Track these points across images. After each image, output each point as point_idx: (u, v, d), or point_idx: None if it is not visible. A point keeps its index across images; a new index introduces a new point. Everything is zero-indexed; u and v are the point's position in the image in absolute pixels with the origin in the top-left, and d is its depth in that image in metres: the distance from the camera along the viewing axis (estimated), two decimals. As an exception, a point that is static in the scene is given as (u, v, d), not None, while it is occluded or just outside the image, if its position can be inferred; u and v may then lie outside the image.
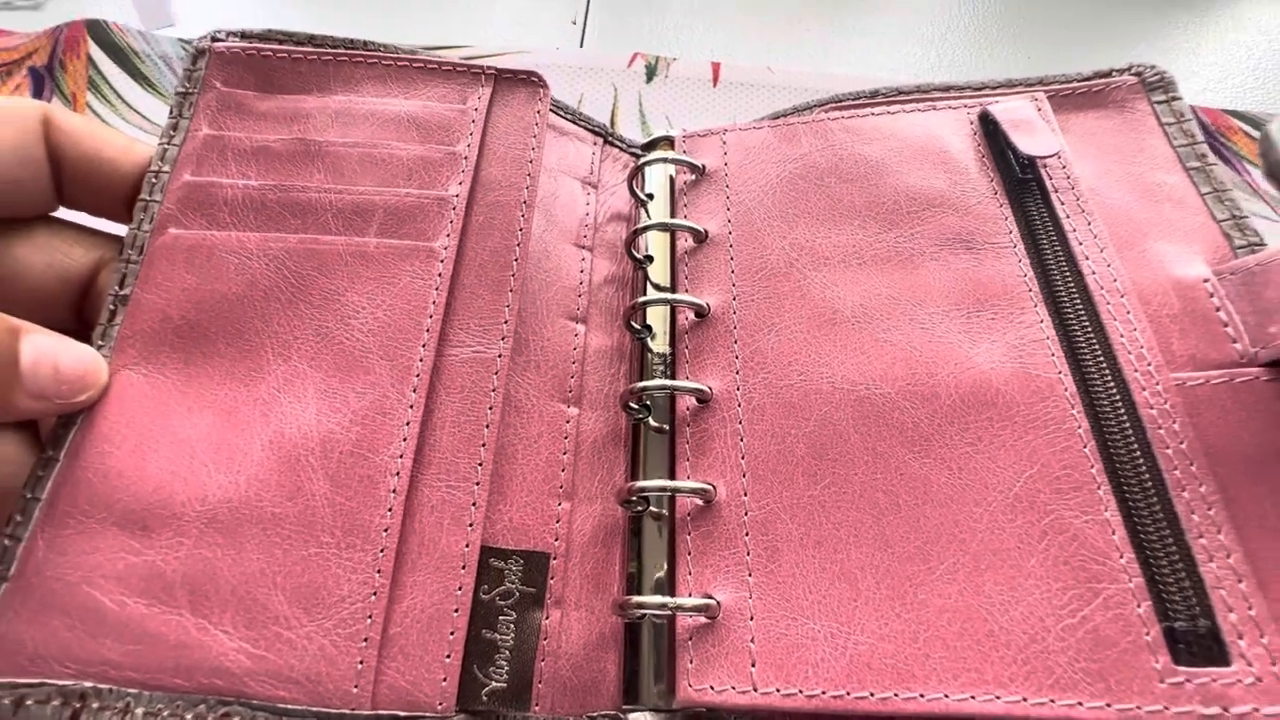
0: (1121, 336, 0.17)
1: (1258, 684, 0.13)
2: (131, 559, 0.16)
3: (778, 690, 0.15)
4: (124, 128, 0.33)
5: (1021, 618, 0.14)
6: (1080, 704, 0.13)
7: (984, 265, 0.19)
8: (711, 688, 0.15)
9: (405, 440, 0.17)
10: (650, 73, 0.36)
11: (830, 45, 0.40)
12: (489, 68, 0.23)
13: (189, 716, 0.14)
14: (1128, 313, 0.18)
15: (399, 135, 0.21)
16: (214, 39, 0.22)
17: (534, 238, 0.22)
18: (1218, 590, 0.14)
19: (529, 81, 0.23)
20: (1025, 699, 0.14)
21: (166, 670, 0.15)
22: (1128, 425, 0.16)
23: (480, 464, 0.17)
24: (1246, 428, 0.16)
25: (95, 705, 0.14)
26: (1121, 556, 0.15)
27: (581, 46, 0.38)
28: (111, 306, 0.18)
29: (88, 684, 0.14)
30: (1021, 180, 0.20)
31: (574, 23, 0.35)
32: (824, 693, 0.14)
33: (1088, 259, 0.19)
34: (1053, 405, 0.16)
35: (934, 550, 0.15)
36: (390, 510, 0.16)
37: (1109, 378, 0.17)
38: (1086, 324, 0.18)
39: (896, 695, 0.14)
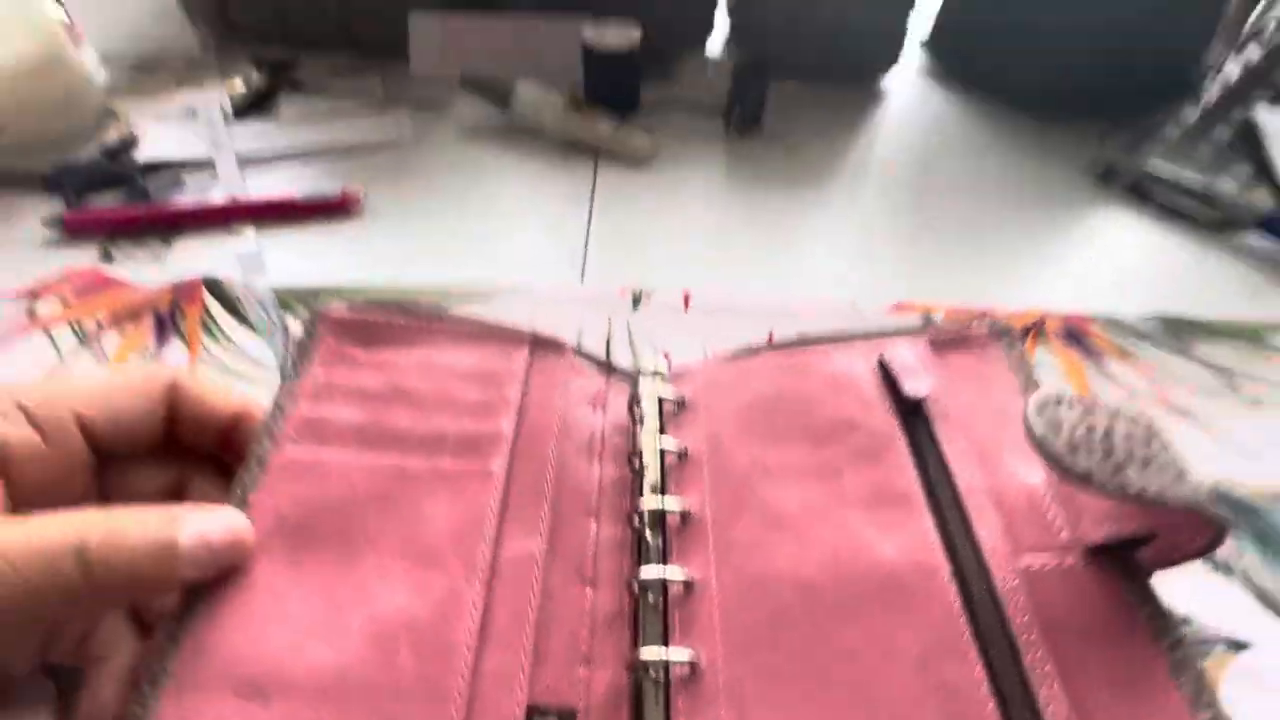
0: (984, 530, 0.24)
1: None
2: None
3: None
4: (226, 358, 0.43)
5: (921, 756, 0.20)
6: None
7: (887, 475, 0.27)
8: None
9: (473, 620, 0.23)
10: (636, 301, 0.47)
11: (779, 267, 0.51)
12: (528, 333, 0.33)
13: None
14: (986, 512, 0.25)
15: (463, 382, 0.30)
16: (327, 309, 0.31)
17: (560, 456, 0.30)
18: (1055, 729, 0.20)
19: (556, 346, 0.32)
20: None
21: None
22: (988, 602, 0.22)
23: (527, 638, 0.23)
24: (1069, 602, 0.22)
25: None
26: (987, 706, 0.20)
27: (582, 281, 0.48)
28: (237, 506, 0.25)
29: None
30: (913, 408, 0.29)
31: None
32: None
33: (959, 470, 0.26)
34: (936, 585, 0.23)
35: (859, 702, 0.21)
36: (463, 676, 0.22)
37: (974, 563, 0.23)
38: (959, 521, 0.25)
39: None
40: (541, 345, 0.32)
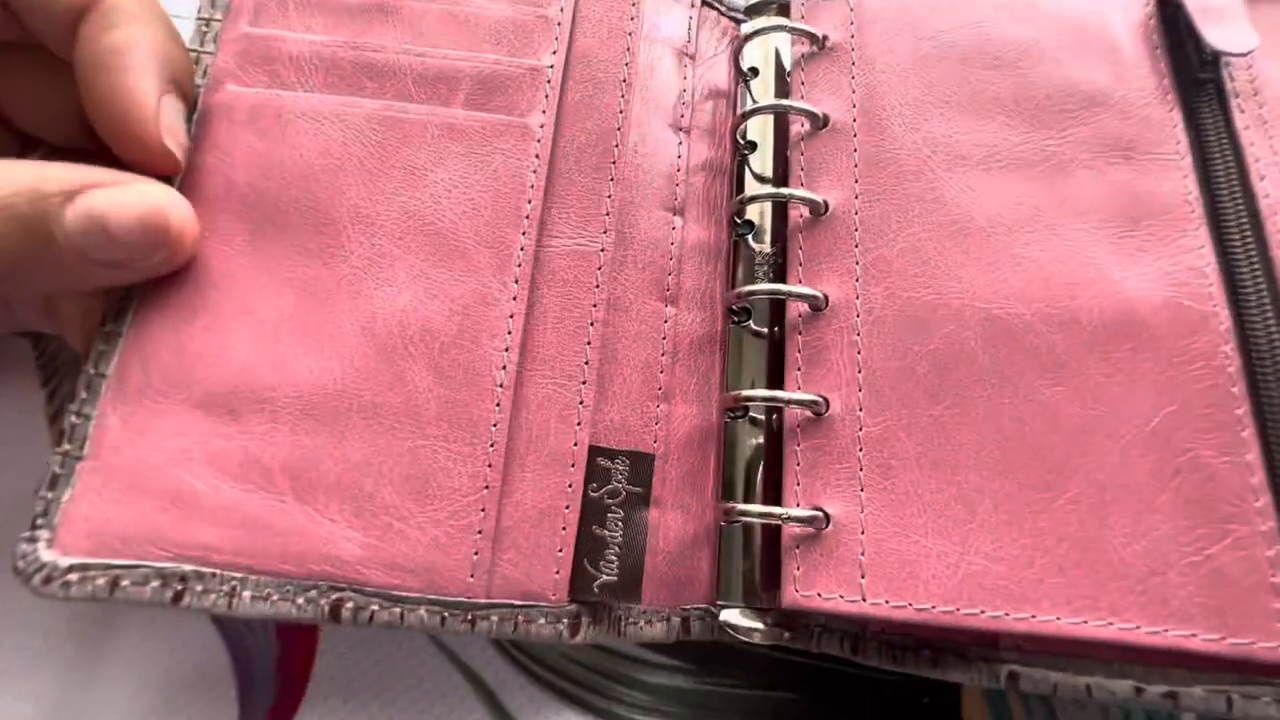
0: (1289, 269, 0.16)
1: (1376, 629, 0.13)
2: (222, 443, 0.15)
3: (886, 601, 0.15)
4: None
5: (1144, 551, 0.14)
6: (1195, 634, 0.14)
7: (1144, 178, 0.17)
8: (820, 594, 0.15)
9: (510, 334, 0.16)
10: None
11: None
12: None
13: (300, 600, 0.14)
14: (1299, 243, 0.16)
15: None
16: None
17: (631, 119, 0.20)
18: (1352, 539, 0.14)
19: None
20: (1140, 626, 0.14)
21: (273, 556, 0.14)
22: (1283, 366, 0.15)
23: (586, 362, 0.16)
24: None
25: (199, 588, 0.14)
26: (1258, 500, 0.14)
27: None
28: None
29: (188, 567, 0.14)
30: (1197, 80, 0.18)
31: None
32: (934, 607, 0.15)
33: (1264, 179, 0.17)
34: (1205, 340, 0.15)
35: (1058, 480, 0.15)
36: (499, 405, 0.15)
37: (1270, 315, 0.16)
38: (1253, 254, 0.16)
39: (1008, 614, 0.14)
40: None
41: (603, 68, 0.19)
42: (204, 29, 0.18)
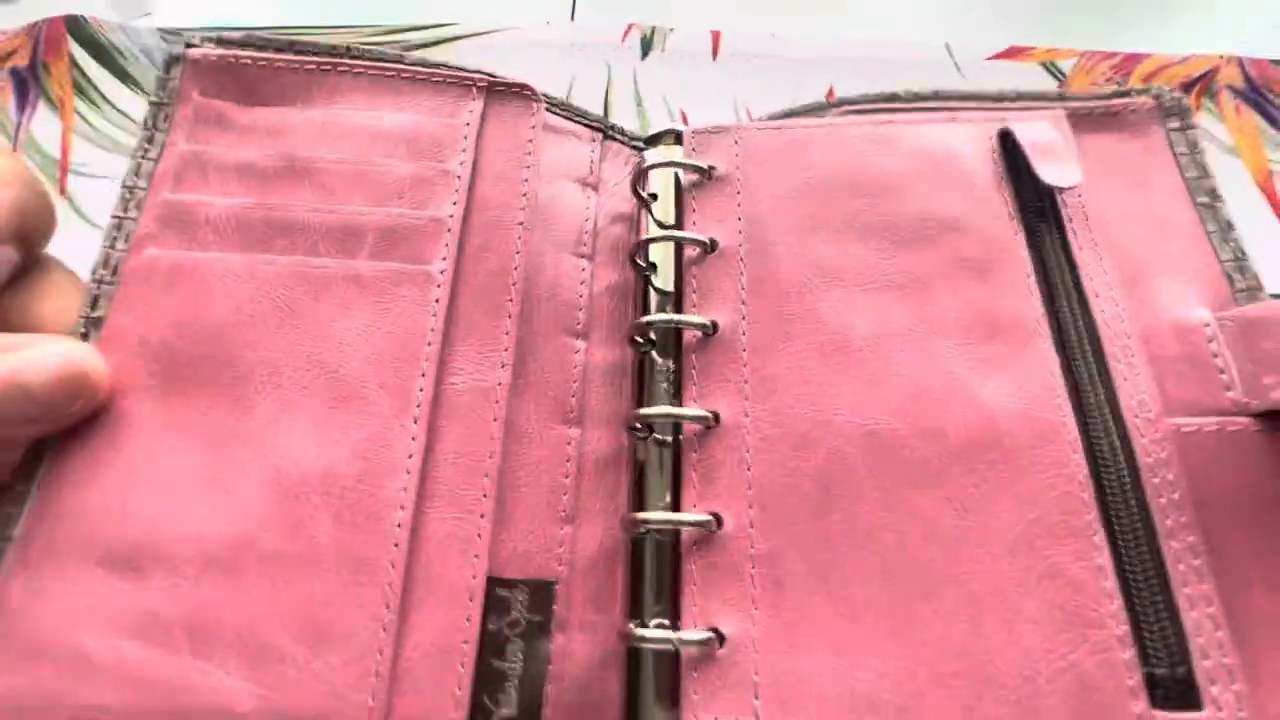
0: (1125, 380, 0.18)
1: (1225, 728, 0.14)
2: (122, 601, 0.15)
3: (780, 723, 0.15)
4: (114, 133, 0.32)
5: (1016, 659, 0.15)
6: (1065, 744, 0.14)
7: (996, 296, 0.19)
8: (718, 719, 0.15)
9: (409, 473, 0.16)
10: (646, 46, 0.34)
11: (842, 2, 0.38)
12: (480, 77, 0.22)
13: None
14: (1132, 356, 0.18)
15: (389, 151, 0.20)
16: (189, 45, 0.21)
17: (530, 252, 0.21)
18: (1196, 638, 0.15)
19: (522, 94, 0.22)
20: (1015, 738, 0.14)
21: (163, 713, 0.14)
22: (1125, 473, 0.16)
23: (484, 495, 0.17)
24: (1234, 478, 0.16)
25: None
26: (1111, 603, 0.15)
27: (573, 18, 0.35)
28: (83, 330, 0.17)
29: None
30: (1038, 207, 0.20)
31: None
32: (825, 727, 0.15)
33: (1098, 297, 0.19)
34: (1055, 449, 0.17)
35: (937, 590, 0.16)
36: (396, 545, 0.16)
37: (1110, 423, 0.17)
38: (1092, 366, 0.18)
39: (894, 731, 0.15)
40: (500, 94, 0.22)
41: (500, 212, 0.20)
42: (128, 196, 0.19)
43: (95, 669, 0.14)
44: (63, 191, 0.30)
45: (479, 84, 0.22)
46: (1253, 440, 0.17)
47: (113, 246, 0.18)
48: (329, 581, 0.15)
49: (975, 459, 0.17)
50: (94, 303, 0.18)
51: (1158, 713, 0.14)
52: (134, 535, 0.16)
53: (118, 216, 0.19)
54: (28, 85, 0.33)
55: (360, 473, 0.16)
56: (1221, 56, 0.33)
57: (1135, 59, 0.33)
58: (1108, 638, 0.15)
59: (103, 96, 0.33)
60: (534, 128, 0.21)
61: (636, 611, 0.18)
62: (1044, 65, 0.34)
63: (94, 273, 0.18)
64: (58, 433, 0.16)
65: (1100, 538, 0.16)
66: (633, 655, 0.17)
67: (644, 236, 0.22)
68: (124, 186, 0.19)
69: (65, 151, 0.31)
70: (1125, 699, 0.14)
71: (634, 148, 0.25)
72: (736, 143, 0.22)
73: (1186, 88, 0.33)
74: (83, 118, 0.32)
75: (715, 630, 0.16)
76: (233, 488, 0.16)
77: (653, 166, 0.22)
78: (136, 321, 0.17)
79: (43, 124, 0.32)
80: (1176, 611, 0.15)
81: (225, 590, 0.15)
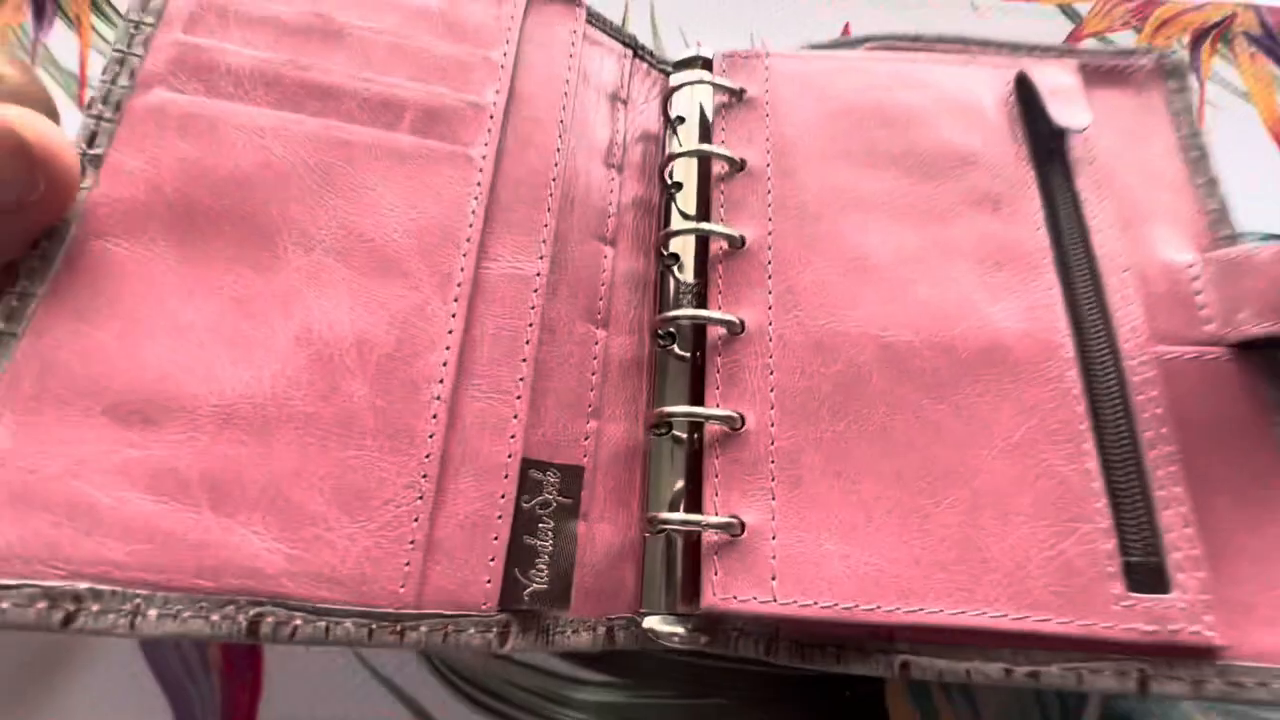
0: (1119, 309, 0.19)
1: (1188, 608, 0.16)
2: (133, 453, 0.15)
3: (795, 601, 0.16)
4: None
5: (1010, 548, 0.16)
6: (1050, 619, 0.16)
7: (1008, 228, 0.20)
8: (735, 597, 0.16)
9: (449, 349, 0.16)
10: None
11: None
12: None
13: (215, 616, 0.14)
14: (1127, 288, 0.19)
15: (430, 30, 0.20)
16: None
17: (567, 153, 0.21)
18: (1168, 534, 0.16)
19: None
20: (1007, 614, 0.16)
21: (186, 571, 0.14)
22: (1115, 388, 0.18)
23: (521, 379, 0.17)
24: (1208, 399, 0.18)
25: (95, 608, 0.13)
26: (1098, 501, 0.17)
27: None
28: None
29: (83, 585, 0.13)
30: (1049, 148, 0.21)
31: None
32: (837, 604, 0.16)
33: (1099, 233, 0.20)
34: (1055, 365, 0.18)
35: (941, 487, 0.17)
36: (435, 417, 0.16)
37: (1104, 345, 0.19)
38: (1090, 295, 0.19)
39: (899, 609, 0.16)
40: None
41: (542, 108, 0.20)
42: (133, 31, 0.18)
43: (101, 520, 0.14)
44: (82, 105, 0.29)
45: None
46: (1225, 368, 0.18)
47: (114, 82, 0.17)
48: (365, 447, 0.15)
49: (981, 371, 0.18)
50: (91, 138, 0.16)
51: (1133, 594, 0.16)
52: (145, 387, 0.15)
53: (120, 51, 0.17)
54: (44, 2, 0.31)
55: (397, 341, 0.16)
56: (1239, 3, 0.33)
57: (1153, 3, 0.32)
58: (1093, 530, 0.16)
59: (118, 13, 0.31)
60: (575, 32, 0.21)
61: (654, 507, 0.18)
62: (1060, 8, 0.33)
63: (89, 106, 0.17)
64: (41, 264, 0.15)
65: (1090, 444, 0.17)
66: (650, 548, 0.18)
67: (670, 153, 0.22)
68: (127, 19, 0.18)
69: (83, 66, 0.30)
70: (1106, 582, 0.16)
71: (660, 70, 0.25)
72: (768, 68, 0.23)
73: (1203, 33, 0.32)
74: (100, 35, 0.31)
75: (736, 517, 0.17)
76: (258, 344, 0.16)
77: (685, 84, 0.23)
78: (146, 165, 0.16)
79: (60, 42, 0.31)
80: (1153, 510, 0.17)
81: (250, 448, 0.15)
